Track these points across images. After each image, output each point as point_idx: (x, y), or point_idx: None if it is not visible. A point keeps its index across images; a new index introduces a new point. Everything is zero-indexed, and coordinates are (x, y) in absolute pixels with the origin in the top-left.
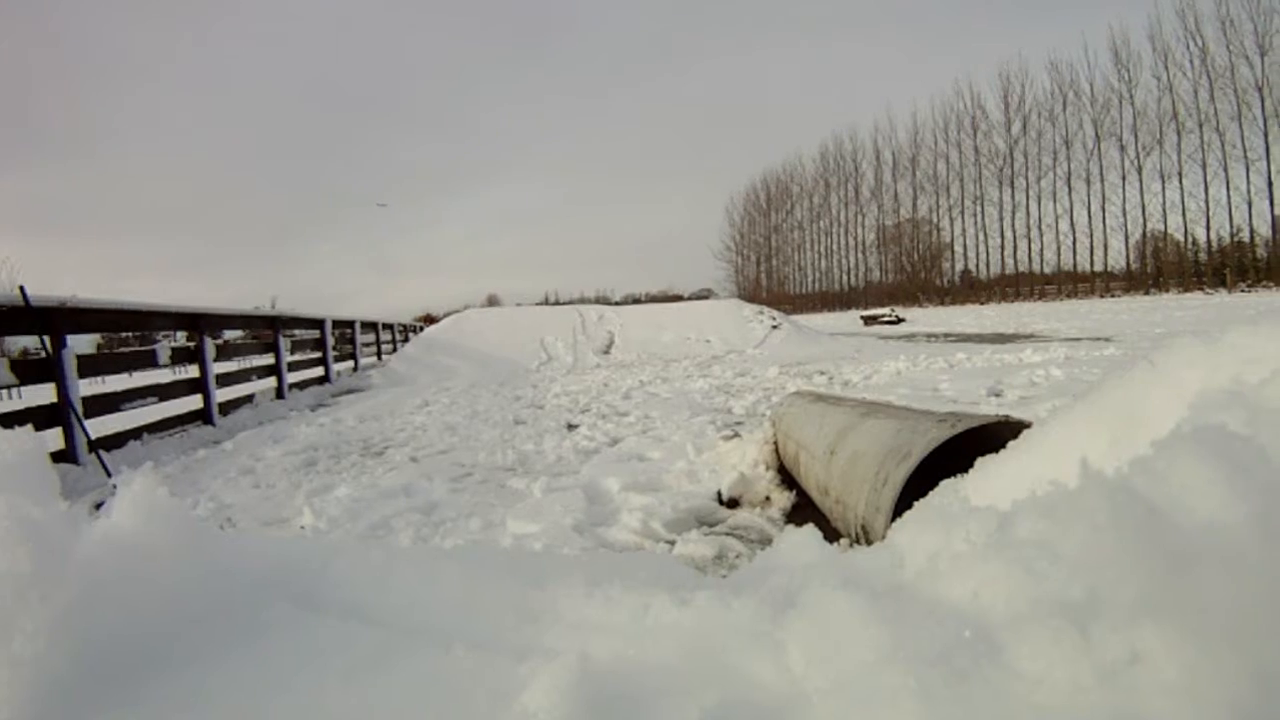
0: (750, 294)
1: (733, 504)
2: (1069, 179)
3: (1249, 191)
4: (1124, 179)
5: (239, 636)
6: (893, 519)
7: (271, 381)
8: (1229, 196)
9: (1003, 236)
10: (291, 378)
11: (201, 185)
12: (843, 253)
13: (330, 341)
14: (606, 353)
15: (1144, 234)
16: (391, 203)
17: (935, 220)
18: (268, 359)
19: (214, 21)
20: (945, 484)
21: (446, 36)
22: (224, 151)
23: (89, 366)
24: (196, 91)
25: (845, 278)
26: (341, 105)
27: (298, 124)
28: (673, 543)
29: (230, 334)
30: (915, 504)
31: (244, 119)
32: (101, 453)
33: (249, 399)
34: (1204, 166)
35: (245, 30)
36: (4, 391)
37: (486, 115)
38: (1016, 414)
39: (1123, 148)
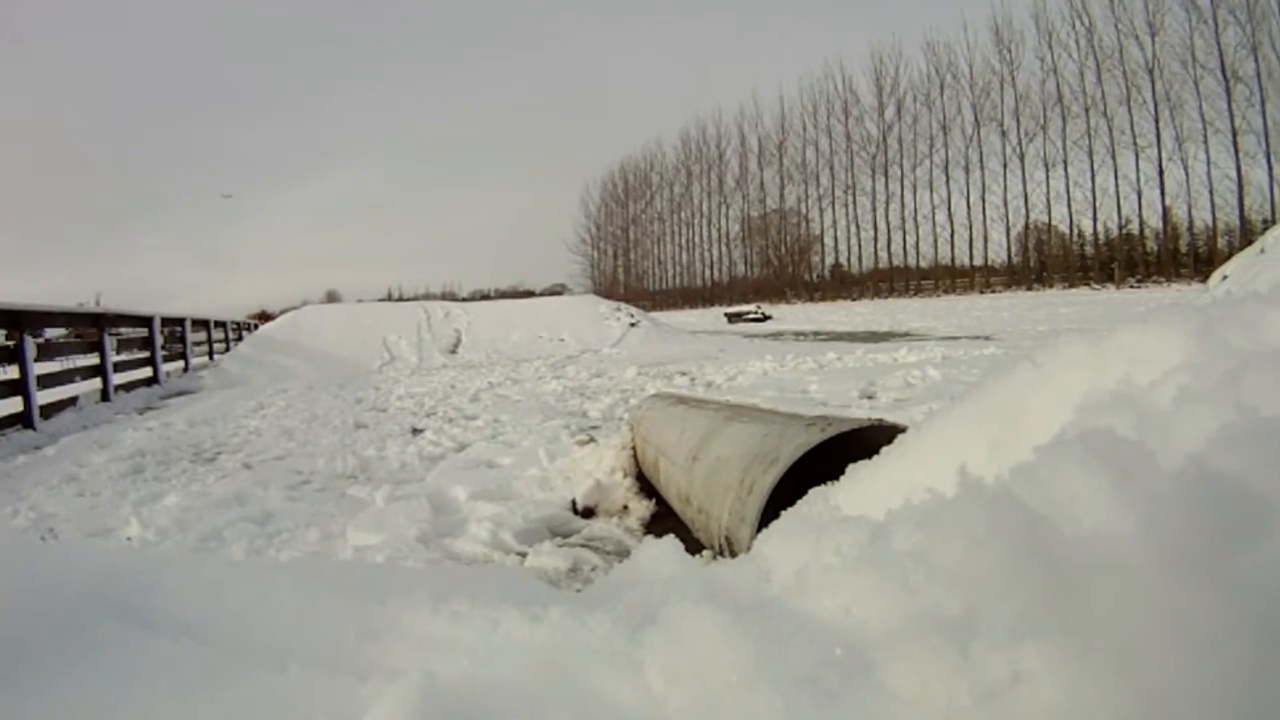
0: (607, 289)
1: (588, 513)
2: (946, 167)
3: (1138, 180)
4: (1005, 167)
5: (60, 655)
6: (759, 529)
7: (97, 383)
8: (1117, 186)
9: (876, 228)
10: (118, 379)
11: (8, 173)
12: (706, 245)
13: (159, 340)
14: (453, 352)
15: (1026, 225)
16: (224, 191)
17: (804, 211)
18: (92, 359)
19: None
20: (815, 492)
21: (277, 10)
22: (33, 135)
23: None
24: None
25: (708, 272)
26: (165, 88)
27: (117, 106)
28: (524, 555)
29: (52, 332)
30: (783, 513)
31: (54, 99)
32: None
33: (73, 401)
34: (1090, 153)
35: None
36: None
37: (323, 99)
38: (891, 417)
39: (1004, 133)
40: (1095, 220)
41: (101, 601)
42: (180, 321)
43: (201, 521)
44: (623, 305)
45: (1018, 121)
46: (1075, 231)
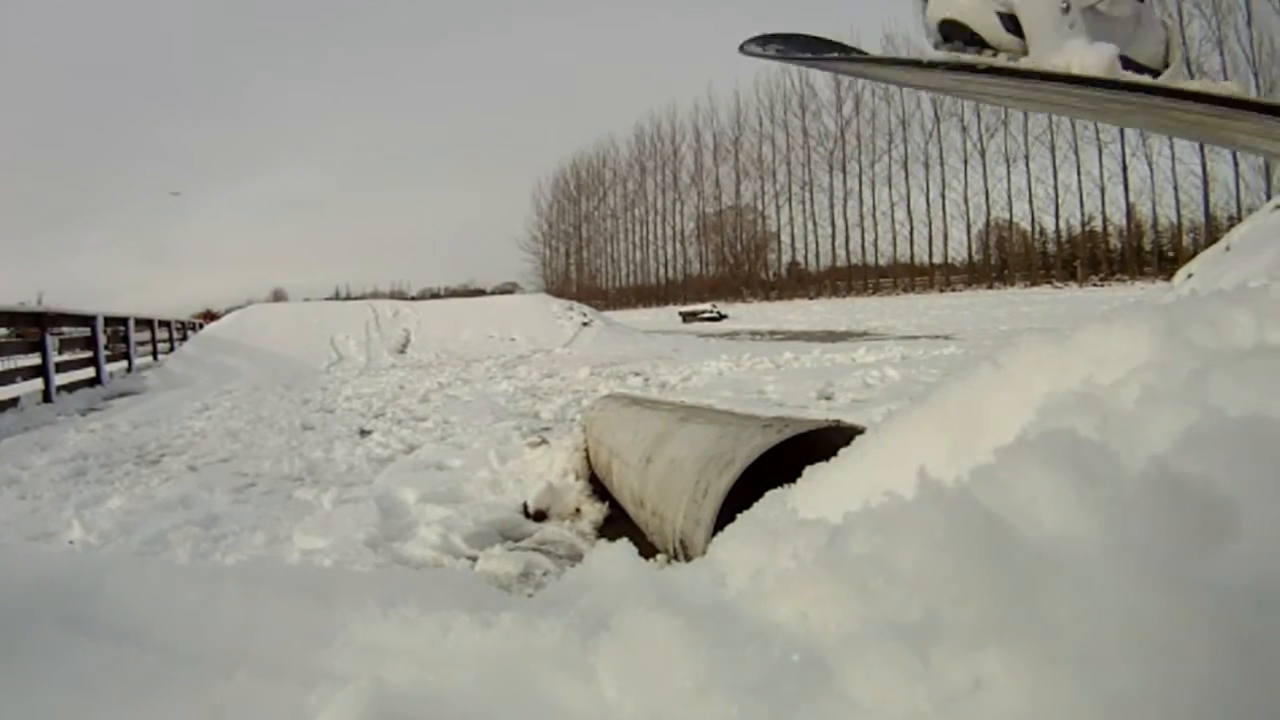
0: (559, 288)
1: (540, 517)
2: (905, 163)
3: (1101, 176)
4: (966, 162)
5: (0, 661)
6: (714, 533)
7: (38, 384)
8: (1080, 182)
9: (834, 226)
10: (60, 379)
11: None
12: (660, 243)
13: (102, 340)
14: (402, 352)
15: (987, 223)
16: (171, 188)
17: (760, 208)
18: (34, 359)
19: None
20: (771, 494)
21: (224, 5)
22: None
23: None
24: None
25: (662, 270)
26: (111, 82)
27: (59, 102)
28: (474, 559)
29: None
30: (739, 516)
31: None
32: None
33: (13, 403)
34: (1053, 149)
35: None
36: None
37: (271, 93)
38: (849, 418)
39: (964, 128)
40: (1057, 217)
41: (43, 606)
42: (124, 321)
43: (145, 525)
44: (575, 304)
45: (978, 116)
46: (1037, 229)
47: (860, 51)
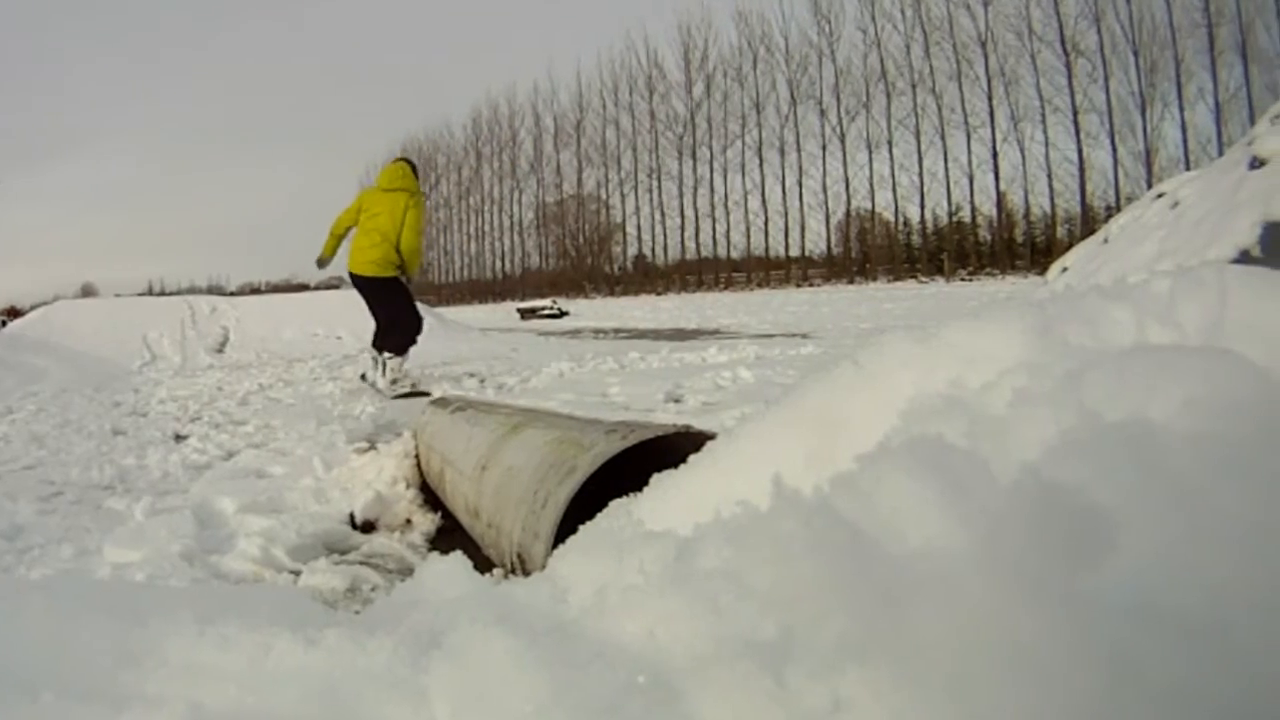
0: None
1: (368, 528)
2: (760, 148)
3: (970, 163)
4: (824, 148)
5: None
6: (555, 545)
7: None
8: (947, 169)
9: (683, 216)
10: None
11: None
12: (496, 235)
13: None
14: (221, 351)
15: (848, 213)
16: None
17: (604, 197)
18: None
19: None
20: (616, 504)
21: None
22: None
23: None
24: None
25: (499, 264)
26: None
27: None
28: (298, 573)
29: None
30: (581, 528)
31: None
32: None
33: None
34: (918, 134)
35: None
36: None
37: (67, 74)
38: (699, 423)
39: (823, 112)
40: (923, 207)
41: None
42: None
43: None
44: None
45: (838, 99)
46: (901, 219)
47: None
